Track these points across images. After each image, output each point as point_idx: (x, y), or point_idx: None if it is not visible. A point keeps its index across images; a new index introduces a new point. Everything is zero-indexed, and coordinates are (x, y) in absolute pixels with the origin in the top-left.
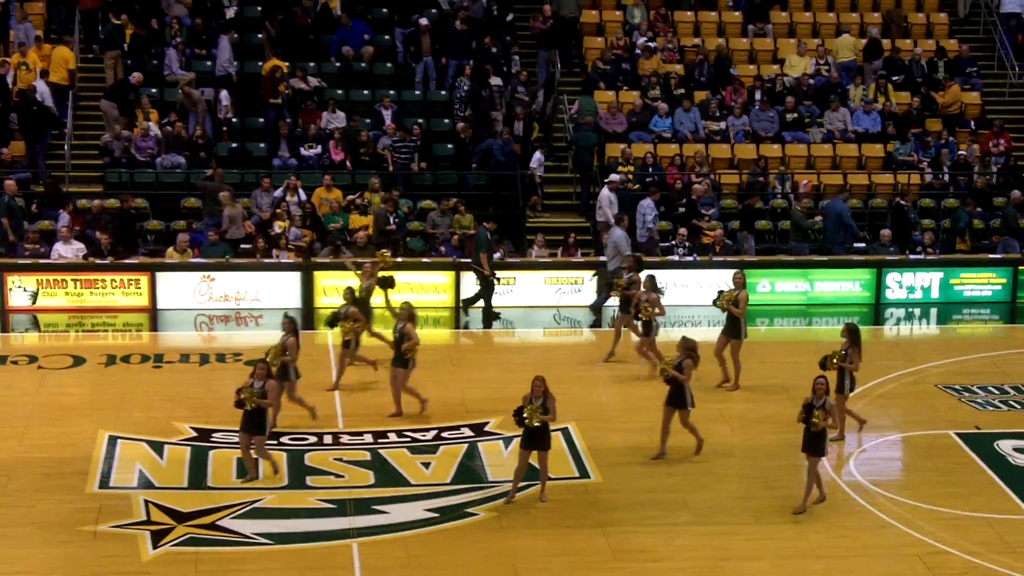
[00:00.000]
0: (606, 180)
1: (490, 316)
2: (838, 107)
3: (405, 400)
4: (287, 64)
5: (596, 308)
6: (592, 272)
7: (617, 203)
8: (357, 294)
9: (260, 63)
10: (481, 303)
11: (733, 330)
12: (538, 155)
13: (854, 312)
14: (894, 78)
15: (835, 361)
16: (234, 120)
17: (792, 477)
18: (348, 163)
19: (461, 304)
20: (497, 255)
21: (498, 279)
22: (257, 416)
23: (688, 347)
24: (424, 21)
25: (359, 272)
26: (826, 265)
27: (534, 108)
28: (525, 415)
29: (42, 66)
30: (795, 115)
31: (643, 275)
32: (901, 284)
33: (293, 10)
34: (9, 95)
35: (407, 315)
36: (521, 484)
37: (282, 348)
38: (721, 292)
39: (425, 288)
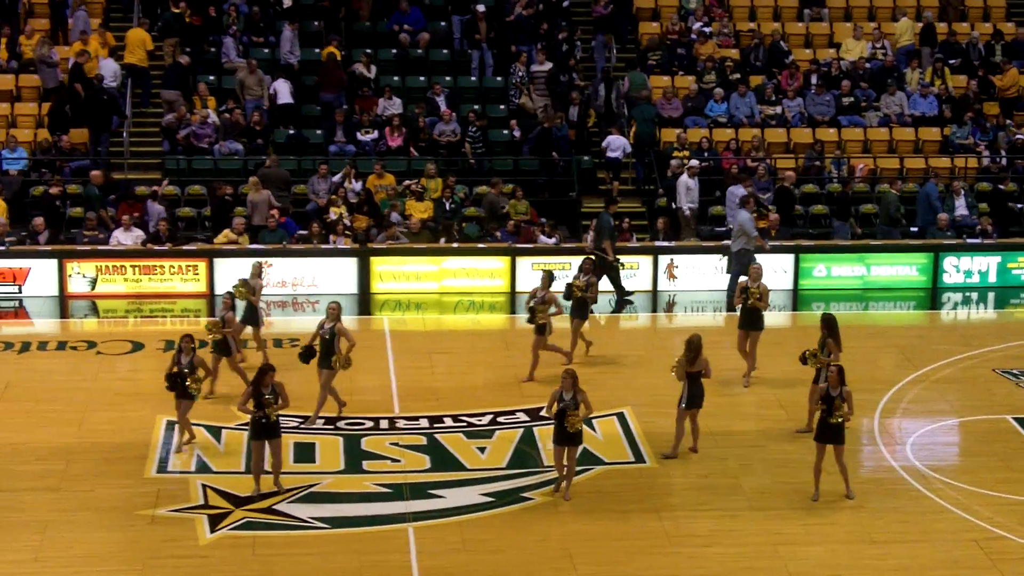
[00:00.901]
0: (687, 166)
1: (624, 296)
2: (895, 91)
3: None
4: (341, 52)
5: (731, 290)
6: (720, 254)
7: (697, 189)
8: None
9: (317, 50)
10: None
11: (755, 322)
12: (620, 139)
13: (911, 296)
14: (951, 61)
15: (815, 357)
16: (292, 103)
17: (846, 462)
18: (412, 149)
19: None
20: (552, 240)
21: (621, 264)
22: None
23: (693, 346)
24: (481, 8)
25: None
26: (882, 249)
27: (599, 100)
28: (567, 424)
29: (103, 53)
30: (851, 99)
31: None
32: (958, 268)
33: None
34: (87, 82)
35: (335, 315)
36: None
37: (221, 321)
38: (746, 289)
39: (480, 273)
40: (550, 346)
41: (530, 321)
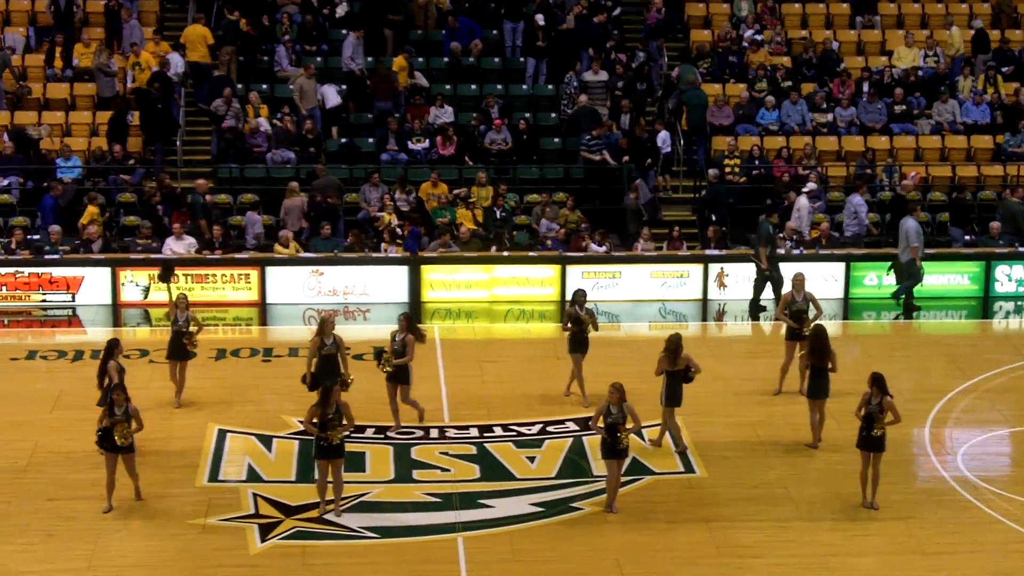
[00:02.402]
0: (803, 189)
1: (757, 308)
2: (947, 98)
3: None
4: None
5: (897, 296)
6: (888, 264)
7: (811, 212)
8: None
9: (369, 59)
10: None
11: (803, 333)
12: (663, 133)
13: (962, 305)
14: (1004, 69)
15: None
16: (344, 116)
17: (897, 472)
18: (467, 158)
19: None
20: (603, 248)
21: (772, 274)
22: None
23: (671, 346)
24: (541, 20)
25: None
26: (935, 258)
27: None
28: (619, 440)
29: (155, 63)
30: (903, 107)
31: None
32: (1011, 277)
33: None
34: (143, 93)
35: (332, 328)
36: (623, 479)
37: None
38: (792, 302)
39: (531, 282)
40: (410, 401)
41: (382, 369)
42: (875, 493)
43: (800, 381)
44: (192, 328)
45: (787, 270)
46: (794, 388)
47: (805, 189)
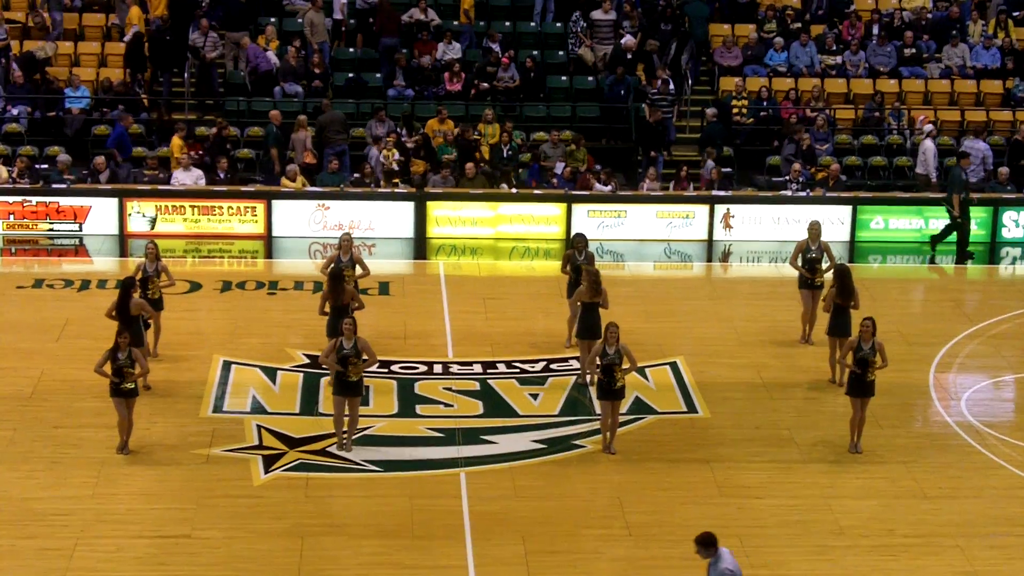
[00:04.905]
0: (924, 132)
1: (965, 254)
2: (957, 42)
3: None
4: None
5: None
6: None
7: (936, 155)
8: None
9: None
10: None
11: (816, 283)
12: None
13: (970, 251)
14: (1015, 13)
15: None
16: (352, 50)
17: (900, 416)
18: (473, 93)
19: (930, 241)
20: (608, 188)
21: (966, 220)
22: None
23: (595, 278)
24: None
25: None
26: (941, 202)
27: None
28: (616, 378)
29: None
30: (913, 50)
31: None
32: (1018, 223)
33: None
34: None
35: (348, 247)
36: (621, 420)
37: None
38: (807, 249)
39: (536, 220)
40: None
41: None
42: (859, 437)
43: (803, 327)
44: (162, 279)
45: (797, 213)
46: (795, 328)
47: (925, 132)
